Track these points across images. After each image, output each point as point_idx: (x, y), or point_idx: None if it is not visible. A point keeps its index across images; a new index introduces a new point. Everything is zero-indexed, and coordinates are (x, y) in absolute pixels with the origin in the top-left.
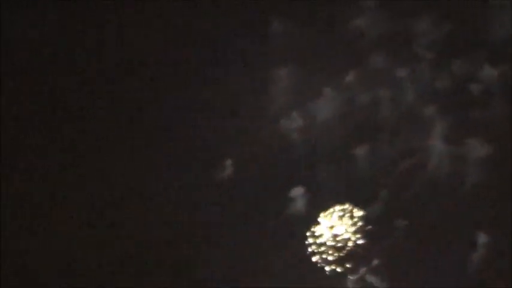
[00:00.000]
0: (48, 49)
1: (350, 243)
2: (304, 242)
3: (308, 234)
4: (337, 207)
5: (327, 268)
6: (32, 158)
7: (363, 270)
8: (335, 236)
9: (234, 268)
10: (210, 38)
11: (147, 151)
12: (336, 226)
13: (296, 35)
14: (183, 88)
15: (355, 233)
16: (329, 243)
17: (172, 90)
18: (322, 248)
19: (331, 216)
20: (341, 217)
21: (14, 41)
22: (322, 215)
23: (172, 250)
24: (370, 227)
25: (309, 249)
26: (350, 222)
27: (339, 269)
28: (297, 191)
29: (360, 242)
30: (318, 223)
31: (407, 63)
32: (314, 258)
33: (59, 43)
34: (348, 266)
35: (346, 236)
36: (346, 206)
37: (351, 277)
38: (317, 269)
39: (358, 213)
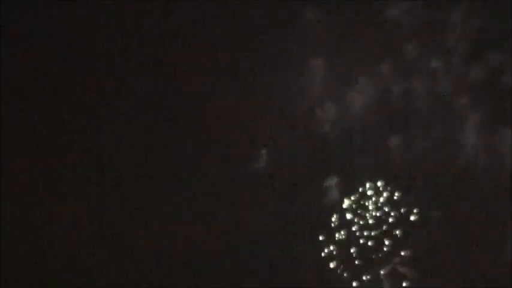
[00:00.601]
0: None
1: (382, 234)
2: (337, 232)
3: (341, 223)
4: (372, 197)
5: (360, 258)
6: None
7: (395, 261)
8: (368, 226)
9: (271, 258)
10: (245, 28)
11: (184, 143)
12: (370, 216)
13: (331, 25)
14: (219, 79)
15: (388, 224)
16: (362, 233)
17: (207, 82)
18: (355, 239)
19: (366, 205)
20: (375, 207)
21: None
22: (355, 204)
23: (205, 243)
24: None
25: (341, 238)
26: (384, 212)
27: (371, 260)
28: (331, 181)
29: (394, 233)
30: (351, 212)
31: (441, 54)
32: (348, 248)
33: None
34: (380, 256)
35: (379, 226)
36: (381, 195)
37: (382, 268)
38: (350, 259)
39: (391, 203)
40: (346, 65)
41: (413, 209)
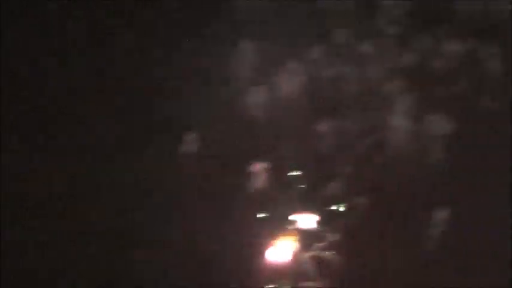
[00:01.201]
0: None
1: (306, 221)
2: (263, 219)
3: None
4: (298, 185)
5: (281, 244)
6: None
7: (318, 246)
8: (291, 212)
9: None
10: (172, 10)
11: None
12: (293, 204)
13: (260, 8)
14: (146, 62)
15: (312, 210)
16: (286, 220)
17: (133, 63)
18: (279, 225)
19: (291, 193)
20: (301, 196)
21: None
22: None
23: (130, 227)
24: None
25: (266, 226)
26: (308, 199)
27: (293, 246)
28: (259, 166)
29: (317, 219)
30: (278, 200)
31: (371, 38)
32: (270, 236)
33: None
34: (303, 242)
35: (302, 213)
36: (309, 181)
37: (305, 253)
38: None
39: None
40: (275, 49)
41: (340, 194)
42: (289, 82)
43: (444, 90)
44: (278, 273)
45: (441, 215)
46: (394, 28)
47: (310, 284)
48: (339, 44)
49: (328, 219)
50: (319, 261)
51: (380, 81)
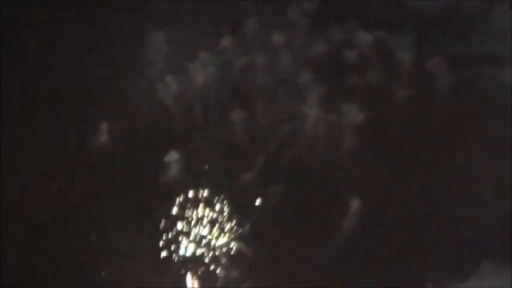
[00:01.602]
0: None
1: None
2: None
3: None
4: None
5: (193, 234)
6: None
7: (230, 236)
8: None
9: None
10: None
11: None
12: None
13: None
14: (55, 51)
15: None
16: (198, 210)
17: (44, 54)
18: (192, 215)
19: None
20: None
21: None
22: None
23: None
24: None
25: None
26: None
27: (205, 236)
28: (172, 156)
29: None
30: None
31: (283, 29)
32: (181, 225)
33: None
34: (214, 232)
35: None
36: (223, 171)
37: (217, 243)
38: (184, 234)
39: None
40: (187, 38)
41: (254, 183)
42: (201, 72)
43: (356, 80)
44: (191, 260)
45: (354, 205)
46: (305, 19)
47: (221, 271)
48: (250, 35)
49: (241, 209)
50: (230, 250)
51: (292, 71)
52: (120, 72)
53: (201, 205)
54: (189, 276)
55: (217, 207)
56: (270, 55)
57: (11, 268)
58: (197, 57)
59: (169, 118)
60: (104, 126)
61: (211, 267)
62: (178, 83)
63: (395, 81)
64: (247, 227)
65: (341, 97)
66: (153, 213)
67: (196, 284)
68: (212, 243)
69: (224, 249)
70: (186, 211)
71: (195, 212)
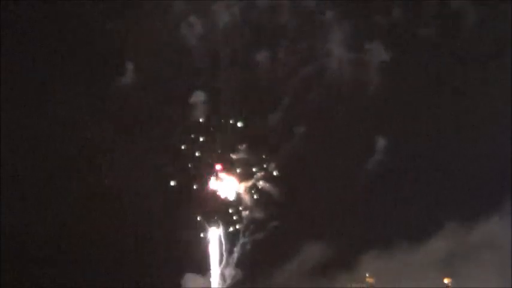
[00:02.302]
0: None
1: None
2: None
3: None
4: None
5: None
6: None
7: (256, 176)
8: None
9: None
10: None
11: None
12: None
13: None
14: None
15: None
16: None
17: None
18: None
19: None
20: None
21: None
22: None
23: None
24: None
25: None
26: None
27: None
28: (198, 97)
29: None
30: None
31: None
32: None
33: None
34: (238, 171)
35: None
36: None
37: (241, 184)
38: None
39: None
40: None
41: (279, 124)
42: (224, 12)
43: (380, 19)
44: (220, 202)
45: (380, 143)
46: None
47: (248, 212)
48: None
49: (268, 149)
50: (258, 191)
51: (316, 9)
52: (144, 13)
53: (227, 146)
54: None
55: (243, 148)
56: None
57: None
58: None
59: (195, 58)
60: (130, 66)
61: (236, 208)
62: (202, 24)
63: (419, 19)
64: (273, 168)
65: (365, 35)
66: (179, 155)
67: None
68: (237, 184)
69: (250, 190)
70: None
71: (219, 154)
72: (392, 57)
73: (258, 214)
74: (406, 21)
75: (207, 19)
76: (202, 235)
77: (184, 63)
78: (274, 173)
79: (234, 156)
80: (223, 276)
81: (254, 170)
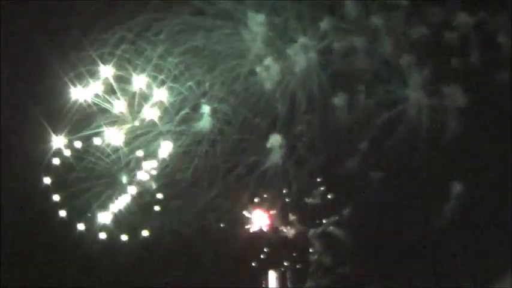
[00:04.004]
0: None
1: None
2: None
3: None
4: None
5: (294, 220)
6: None
7: (326, 223)
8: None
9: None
10: None
11: None
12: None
13: None
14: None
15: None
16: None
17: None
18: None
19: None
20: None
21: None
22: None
23: None
24: None
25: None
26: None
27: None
28: (275, 141)
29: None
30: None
31: (382, 11)
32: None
33: None
34: (311, 219)
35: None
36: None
37: (313, 230)
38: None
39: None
40: (286, 22)
41: (356, 169)
42: (302, 56)
43: (458, 63)
44: (288, 248)
45: (457, 188)
46: (404, 0)
47: (317, 259)
48: (349, 17)
49: (342, 195)
50: (328, 237)
51: (393, 54)
52: (221, 56)
53: (301, 189)
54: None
55: (318, 192)
56: (369, 38)
57: None
58: (297, 41)
59: (271, 102)
60: (206, 109)
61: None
62: (278, 67)
63: (497, 64)
64: (347, 213)
65: (443, 80)
66: (252, 198)
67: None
68: (308, 227)
69: (320, 234)
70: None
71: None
72: (470, 102)
73: (327, 259)
74: (484, 65)
75: (283, 62)
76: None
77: (261, 107)
78: (347, 219)
79: (308, 201)
80: None
81: (326, 215)
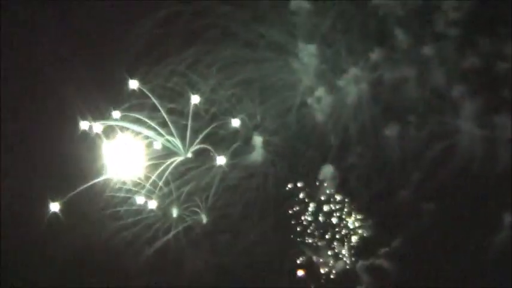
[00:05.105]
0: None
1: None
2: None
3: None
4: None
5: (343, 252)
6: None
7: (378, 254)
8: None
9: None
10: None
11: None
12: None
13: (317, 12)
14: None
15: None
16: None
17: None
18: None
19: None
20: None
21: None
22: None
23: None
24: None
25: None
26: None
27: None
28: (328, 172)
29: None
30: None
31: (433, 41)
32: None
33: None
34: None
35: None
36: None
37: (362, 262)
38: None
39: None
40: (337, 53)
41: (407, 201)
42: (353, 87)
43: (509, 93)
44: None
45: (509, 220)
46: (454, 30)
47: None
48: (400, 47)
49: (394, 227)
50: (376, 270)
51: (445, 84)
52: (274, 89)
53: (353, 221)
54: None
55: (369, 224)
56: (420, 68)
57: None
58: (348, 72)
59: (323, 134)
60: (258, 142)
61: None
62: (330, 98)
63: None
64: (398, 245)
65: (496, 111)
66: (304, 231)
67: None
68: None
69: (368, 267)
70: (337, 228)
71: (344, 229)
72: None
73: None
74: None
75: (334, 94)
76: None
77: (312, 139)
78: (398, 251)
79: (359, 231)
80: None
81: (377, 247)
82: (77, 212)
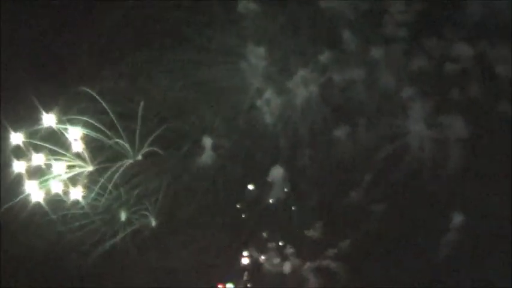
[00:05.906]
0: None
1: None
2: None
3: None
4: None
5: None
6: None
7: (324, 256)
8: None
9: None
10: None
11: None
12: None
13: (265, 14)
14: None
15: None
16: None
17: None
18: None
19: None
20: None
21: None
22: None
23: None
24: None
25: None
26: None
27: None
28: (276, 174)
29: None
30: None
31: (381, 43)
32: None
33: None
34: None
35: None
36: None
37: (309, 264)
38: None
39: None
40: (285, 55)
41: (359, 202)
42: (302, 89)
43: (458, 94)
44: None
45: (458, 220)
46: (403, 32)
47: None
48: (348, 50)
49: (344, 228)
50: (323, 272)
51: (393, 86)
52: (221, 90)
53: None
54: None
55: (320, 225)
56: (369, 70)
57: None
58: (297, 74)
59: (271, 136)
60: (208, 144)
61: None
62: (278, 100)
63: (498, 95)
64: (346, 246)
65: (445, 112)
66: (256, 234)
67: None
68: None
69: (316, 268)
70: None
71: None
72: (470, 134)
73: None
74: (484, 96)
75: (283, 96)
76: None
77: (261, 141)
78: (346, 252)
79: (308, 234)
80: None
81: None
82: (19, 218)
